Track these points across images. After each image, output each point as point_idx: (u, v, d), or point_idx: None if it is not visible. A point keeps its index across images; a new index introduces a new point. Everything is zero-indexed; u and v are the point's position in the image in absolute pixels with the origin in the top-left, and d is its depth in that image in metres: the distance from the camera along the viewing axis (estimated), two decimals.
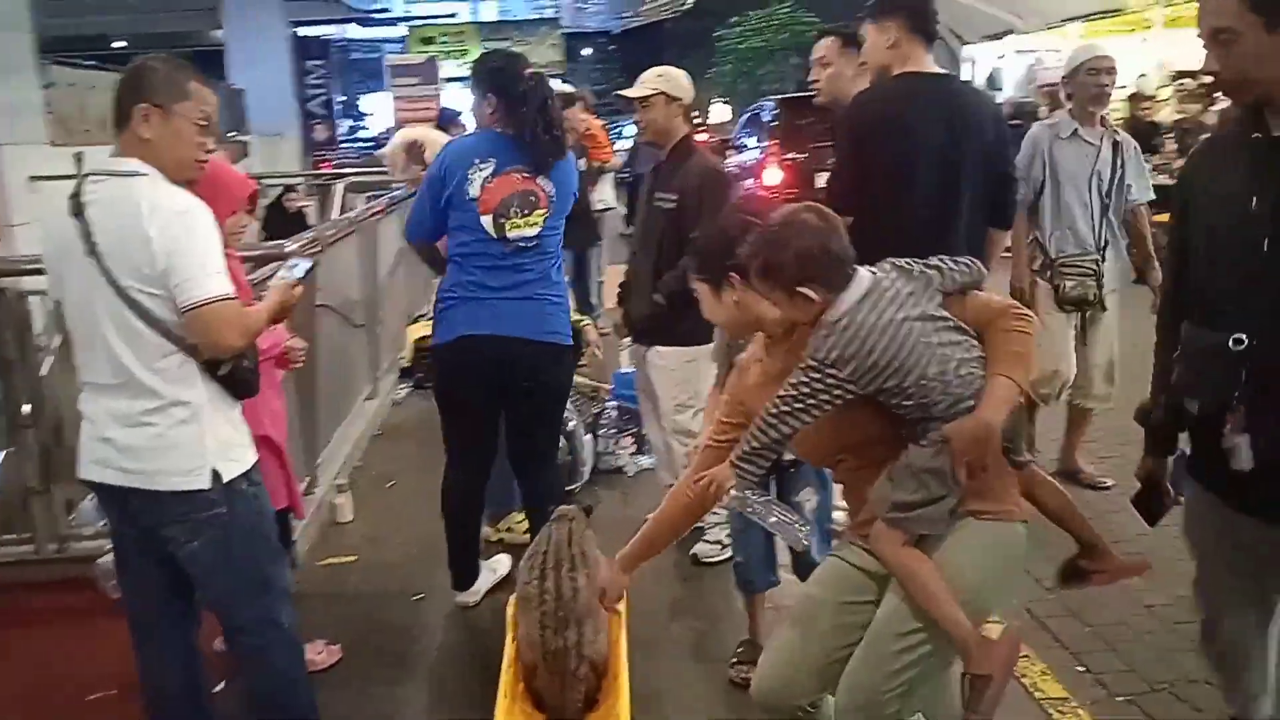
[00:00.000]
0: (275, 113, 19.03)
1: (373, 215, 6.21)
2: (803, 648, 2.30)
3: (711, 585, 3.86)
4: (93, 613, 3.69)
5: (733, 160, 14.98)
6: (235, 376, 2.47)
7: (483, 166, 3.36)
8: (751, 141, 15.59)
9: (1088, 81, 4.44)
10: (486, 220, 3.36)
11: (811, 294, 2.11)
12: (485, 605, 3.72)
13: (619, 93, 4.03)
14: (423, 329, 6.88)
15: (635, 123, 4.05)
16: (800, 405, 2.12)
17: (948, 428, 2.08)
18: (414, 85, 12.07)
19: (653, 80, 3.88)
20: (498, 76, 3.43)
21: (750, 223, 2.32)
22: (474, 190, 3.35)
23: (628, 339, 5.63)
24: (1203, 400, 2.09)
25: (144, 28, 23.94)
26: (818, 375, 2.09)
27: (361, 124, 27.31)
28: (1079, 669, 3.25)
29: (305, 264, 2.88)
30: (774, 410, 2.15)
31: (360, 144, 24.53)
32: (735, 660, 3.25)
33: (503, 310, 3.42)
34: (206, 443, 2.42)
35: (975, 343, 2.14)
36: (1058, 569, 2.59)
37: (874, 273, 2.17)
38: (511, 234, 3.38)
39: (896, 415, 2.14)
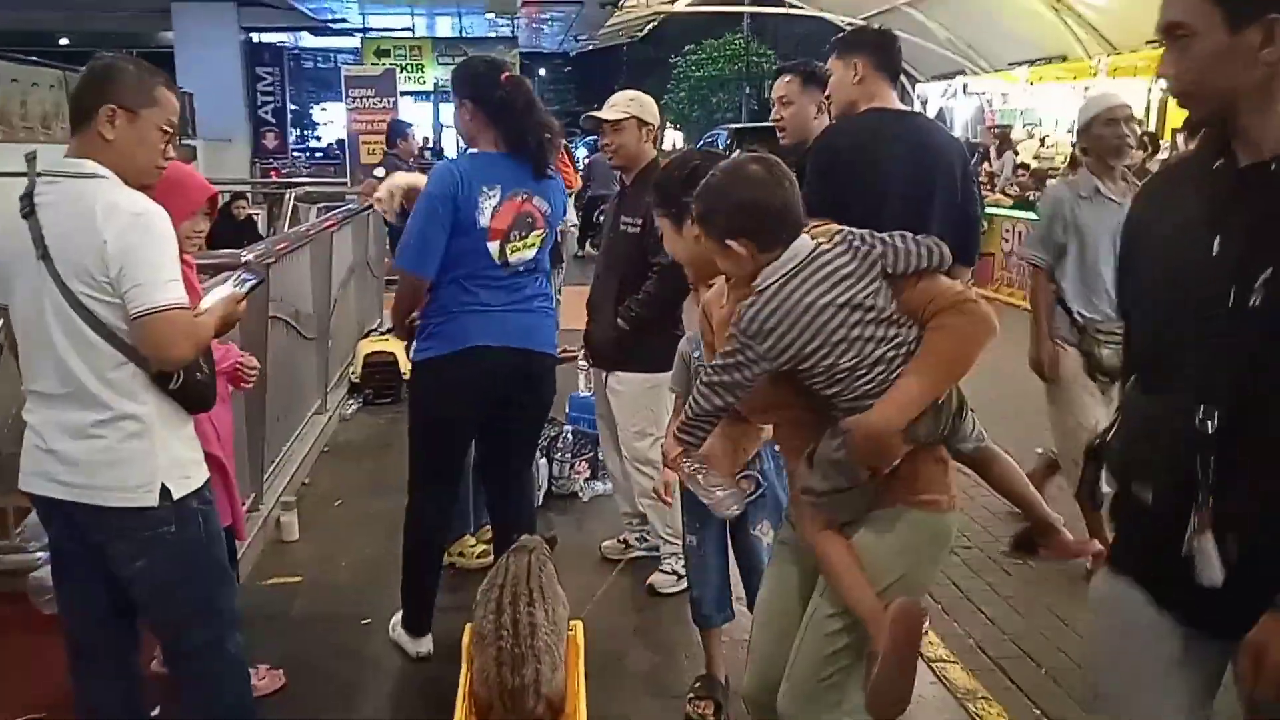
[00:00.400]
0: (224, 118, 18.80)
1: (327, 228, 6.09)
2: (771, 641, 2.30)
3: (668, 615, 3.81)
4: (22, 629, 3.53)
5: None
6: (188, 390, 2.37)
7: (490, 193, 3.23)
8: None
9: (1105, 134, 3.93)
10: (494, 247, 3.26)
11: (740, 248, 2.03)
12: (435, 632, 3.60)
13: (592, 114, 3.97)
14: (374, 344, 6.77)
15: (604, 145, 3.99)
16: (729, 377, 2.06)
17: (846, 422, 2.03)
18: (370, 97, 11.92)
19: (625, 104, 3.85)
20: (478, 84, 3.30)
21: (713, 158, 2.29)
22: (484, 219, 3.22)
23: (583, 363, 5.61)
24: (1157, 487, 1.69)
25: (91, 26, 23.51)
26: (739, 346, 2.03)
27: (314, 133, 27.04)
28: (1035, 712, 3.24)
29: (253, 279, 2.78)
30: (706, 380, 2.11)
31: (311, 153, 24.30)
32: (692, 695, 3.20)
33: (509, 322, 3.33)
34: (157, 458, 2.31)
35: (910, 337, 2.04)
36: (1011, 538, 2.59)
37: (817, 242, 2.07)
38: (513, 258, 3.31)
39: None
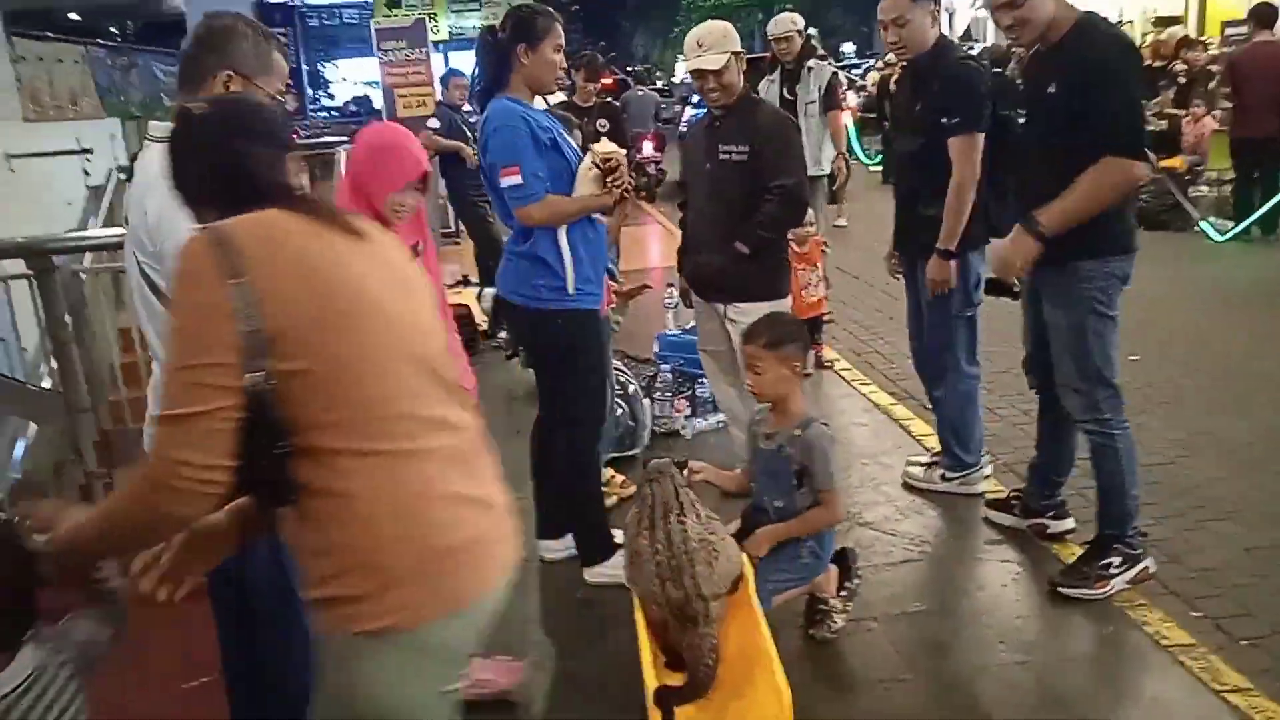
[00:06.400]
0: None
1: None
2: None
3: None
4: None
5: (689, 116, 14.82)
6: None
7: None
8: None
9: None
10: None
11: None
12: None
13: (700, 67, 3.70)
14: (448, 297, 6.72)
15: (707, 90, 3.75)
16: None
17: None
18: (402, 49, 11.65)
19: (719, 42, 3.71)
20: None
21: None
22: None
23: (670, 301, 5.55)
24: None
25: None
26: None
27: (327, 92, 26.78)
28: (1194, 614, 3.20)
29: None
30: None
31: (329, 112, 24.07)
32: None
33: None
34: None
35: None
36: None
37: None
38: None
39: None
